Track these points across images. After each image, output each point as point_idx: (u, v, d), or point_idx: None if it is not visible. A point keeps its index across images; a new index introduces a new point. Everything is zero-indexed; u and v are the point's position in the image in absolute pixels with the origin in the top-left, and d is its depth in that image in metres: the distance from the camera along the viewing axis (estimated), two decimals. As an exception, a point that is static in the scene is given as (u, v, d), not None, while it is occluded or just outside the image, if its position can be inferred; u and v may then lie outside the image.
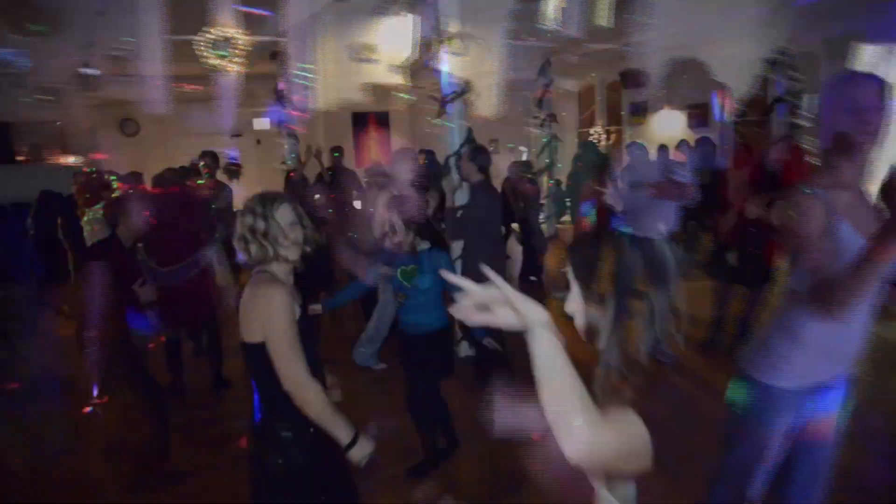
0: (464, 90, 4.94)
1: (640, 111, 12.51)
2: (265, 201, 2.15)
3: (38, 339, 6.84)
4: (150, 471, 3.66)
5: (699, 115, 11.63)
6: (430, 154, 11.56)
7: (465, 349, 5.19)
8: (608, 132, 13.53)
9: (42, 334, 7.06)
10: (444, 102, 4.99)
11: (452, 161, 5.06)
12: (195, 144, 12.47)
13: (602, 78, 13.33)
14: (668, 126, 12.00)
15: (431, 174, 5.56)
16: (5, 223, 9.90)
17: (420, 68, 5.09)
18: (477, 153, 4.55)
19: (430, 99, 5.21)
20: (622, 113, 13.03)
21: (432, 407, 3.56)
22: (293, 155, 8.65)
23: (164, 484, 3.66)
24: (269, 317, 2.03)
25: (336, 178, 8.12)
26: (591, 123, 13.92)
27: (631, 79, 12.25)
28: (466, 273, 5.13)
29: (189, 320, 5.01)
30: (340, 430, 2.09)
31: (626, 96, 12.82)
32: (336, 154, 8.51)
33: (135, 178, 7.79)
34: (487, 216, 4.53)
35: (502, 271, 4.72)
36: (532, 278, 8.08)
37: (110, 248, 3.44)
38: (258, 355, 2.06)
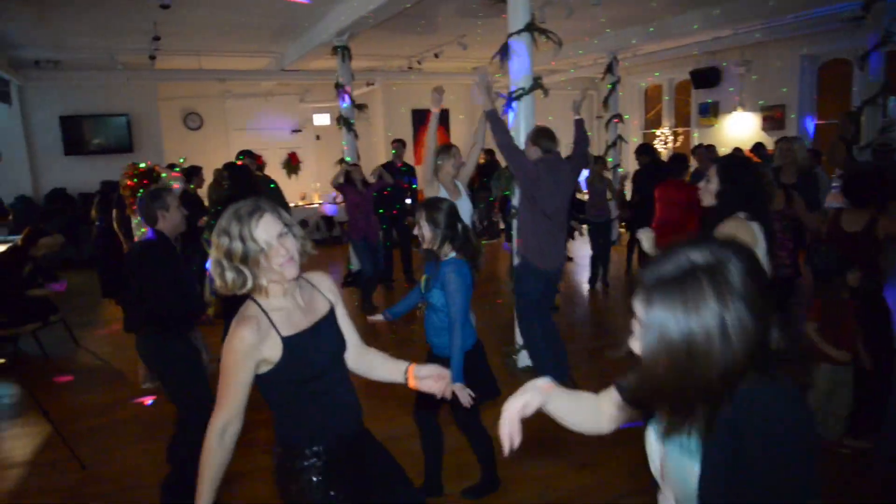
0: (533, 86, 4.68)
1: (711, 112, 11.95)
2: (240, 217, 1.80)
3: (98, 330, 6.96)
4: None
5: (774, 117, 11.00)
6: (490, 153, 11.39)
7: (523, 359, 4.95)
8: (675, 133, 12.99)
9: (101, 324, 7.20)
10: (510, 98, 4.75)
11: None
12: (257, 139, 12.70)
13: (670, 77, 12.81)
14: (741, 128, 11.41)
15: (495, 173, 5.33)
16: (74, 213, 10.20)
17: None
18: (539, 135, 4.24)
19: (497, 96, 4.97)
20: (693, 114, 12.48)
21: (472, 435, 3.24)
22: (346, 146, 8.57)
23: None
24: (223, 351, 1.84)
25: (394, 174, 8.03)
26: (658, 124, 13.40)
27: (702, 78, 11.82)
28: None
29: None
30: (199, 497, 1.83)
31: (695, 96, 12.27)
32: (394, 152, 8.44)
33: (194, 171, 7.84)
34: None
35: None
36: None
37: (156, 248, 3.26)
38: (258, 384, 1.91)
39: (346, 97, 8.41)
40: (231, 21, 7.85)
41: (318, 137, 13.27)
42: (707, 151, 7.98)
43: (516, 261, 4.70)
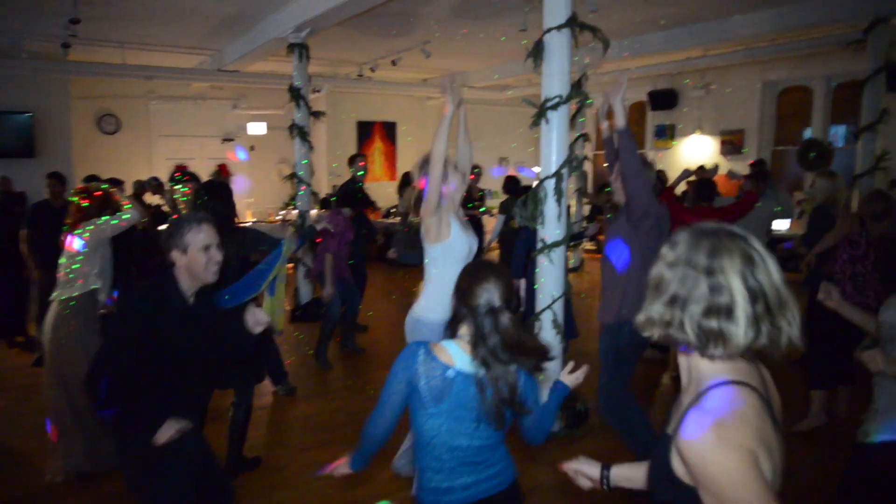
0: (572, 94, 3.90)
1: (668, 134, 11.71)
2: None
3: None
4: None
5: (733, 142, 10.85)
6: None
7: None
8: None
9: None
10: (543, 108, 3.94)
11: (550, 186, 4.00)
12: (182, 147, 11.34)
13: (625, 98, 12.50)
14: (699, 152, 11.20)
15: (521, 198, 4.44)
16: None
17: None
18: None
19: (525, 104, 4.16)
20: (649, 136, 12.23)
21: None
22: (304, 162, 7.52)
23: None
24: None
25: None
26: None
27: (660, 99, 11.57)
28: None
29: None
30: None
31: (651, 118, 12.03)
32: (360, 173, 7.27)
33: (114, 186, 6.60)
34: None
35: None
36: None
37: None
38: None
39: (302, 103, 7.37)
40: (167, 7, 6.67)
41: (252, 148, 12.03)
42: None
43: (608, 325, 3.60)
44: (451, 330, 1.97)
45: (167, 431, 2.28)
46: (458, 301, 1.94)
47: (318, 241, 5.68)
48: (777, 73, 10.17)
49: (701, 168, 6.69)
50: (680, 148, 11.62)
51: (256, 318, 2.48)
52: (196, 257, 2.37)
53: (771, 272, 1.19)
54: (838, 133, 9.95)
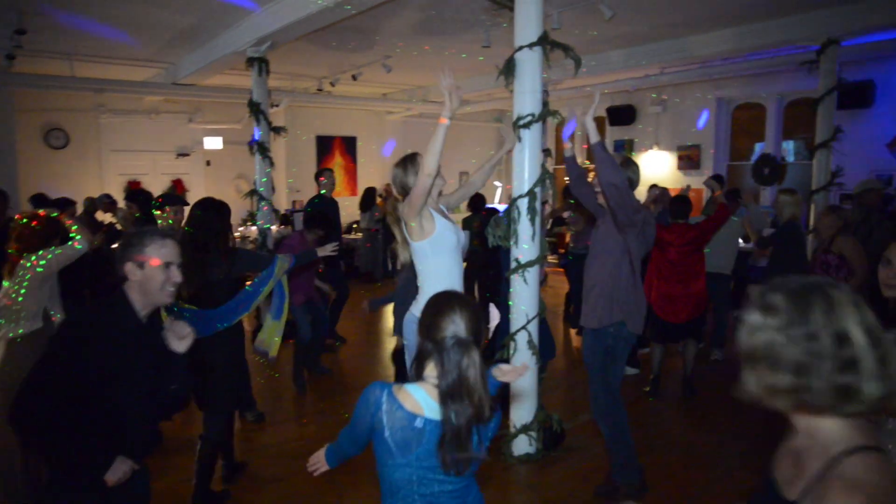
0: (543, 114, 3.86)
1: (626, 149, 11.90)
2: None
3: None
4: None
5: (690, 157, 11.08)
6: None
7: (520, 445, 4.06)
8: (588, 170, 12.82)
9: None
10: (516, 126, 3.89)
11: (523, 205, 3.94)
12: (135, 163, 10.95)
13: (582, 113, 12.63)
14: (657, 167, 11.41)
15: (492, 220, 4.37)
16: None
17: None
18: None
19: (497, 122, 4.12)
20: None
21: None
22: (264, 179, 7.32)
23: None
24: None
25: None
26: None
27: (618, 115, 11.75)
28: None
29: None
30: None
31: (610, 133, 12.20)
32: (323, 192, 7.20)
33: (66, 205, 6.28)
34: None
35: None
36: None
37: None
38: None
39: (262, 118, 7.18)
40: (121, 18, 6.43)
41: (208, 163, 11.73)
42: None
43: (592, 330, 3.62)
44: (416, 371, 1.83)
45: (117, 471, 2.02)
46: (422, 336, 1.81)
47: (319, 270, 5.74)
48: (731, 90, 10.44)
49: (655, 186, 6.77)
50: (638, 162, 11.77)
51: (177, 331, 2.18)
52: (154, 274, 2.09)
53: (871, 316, 1.16)
54: (788, 148, 10.26)
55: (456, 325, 1.74)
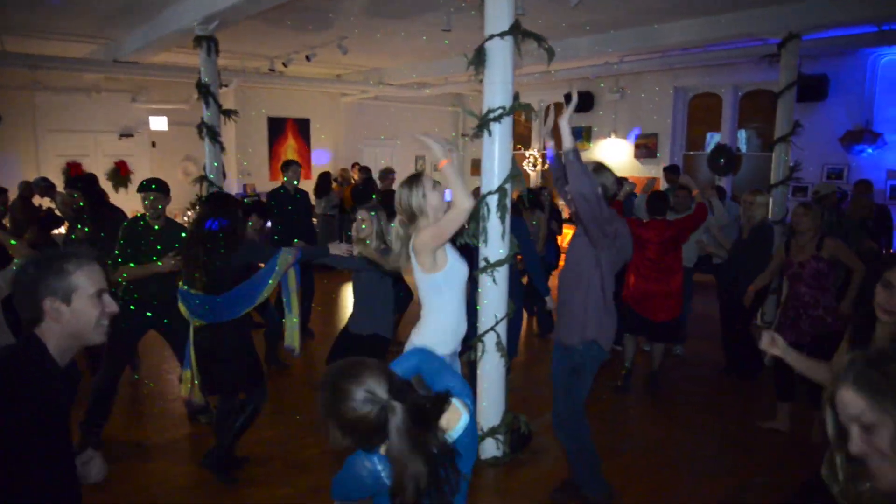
0: (514, 107, 3.69)
1: (584, 136, 11.85)
2: None
3: None
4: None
5: (648, 146, 11.12)
6: (365, 171, 10.21)
7: (488, 448, 3.94)
8: (544, 156, 12.78)
9: None
10: (486, 119, 3.70)
11: (493, 202, 3.77)
12: (74, 143, 10.31)
13: (540, 99, 12.56)
14: (614, 155, 11.41)
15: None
16: None
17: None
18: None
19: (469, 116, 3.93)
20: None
21: None
22: (215, 164, 6.93)
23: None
24: None
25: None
26: (528, 145, 13.12)
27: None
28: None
29: None
30: None
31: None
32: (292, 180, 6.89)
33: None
34: None
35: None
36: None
37: None
38: None
39: (212, 100, 6.79)
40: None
41: (153, 144, 11.17)
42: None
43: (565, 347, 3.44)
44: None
45: None
46: (351, 436, 1.51)
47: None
48: (688, 79, 10.49)
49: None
50: (596, 150, 11.78)
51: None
52: (85, 309, 1.62)
53: None
54: (741, 137, 10.40)
55: (374, 390, 1.48)
